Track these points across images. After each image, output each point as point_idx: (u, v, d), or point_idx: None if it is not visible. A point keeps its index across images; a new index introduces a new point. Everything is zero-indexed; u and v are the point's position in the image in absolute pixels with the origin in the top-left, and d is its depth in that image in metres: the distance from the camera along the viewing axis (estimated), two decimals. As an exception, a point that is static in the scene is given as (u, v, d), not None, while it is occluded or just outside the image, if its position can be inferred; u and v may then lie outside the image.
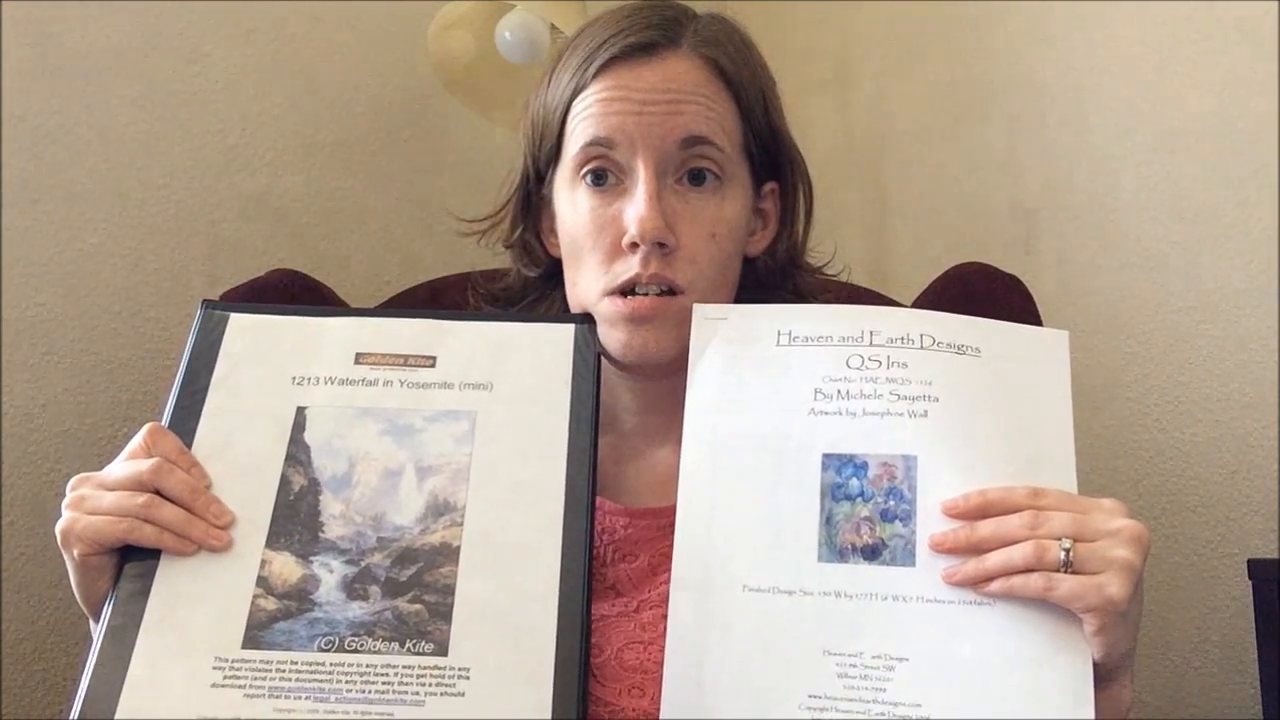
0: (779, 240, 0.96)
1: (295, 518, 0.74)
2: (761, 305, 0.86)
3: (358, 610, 0.71)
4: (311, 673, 0.69)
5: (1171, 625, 1.47)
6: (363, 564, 0.73)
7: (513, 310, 0.98)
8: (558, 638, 0.70)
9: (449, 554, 0.73)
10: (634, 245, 0.84)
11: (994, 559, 0.70)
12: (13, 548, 1.32)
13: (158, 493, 0.72)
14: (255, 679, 0.68)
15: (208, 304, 0.84)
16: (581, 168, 0.88)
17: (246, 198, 1.51)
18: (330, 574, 0.72)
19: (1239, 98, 1.44)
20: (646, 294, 0.85)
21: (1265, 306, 1.42)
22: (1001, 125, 1.63)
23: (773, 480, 0.76)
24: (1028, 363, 0.78)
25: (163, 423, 0.77)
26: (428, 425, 0.78)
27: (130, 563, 0.72)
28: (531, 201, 0.96)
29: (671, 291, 0.85)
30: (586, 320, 0.85)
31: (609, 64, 0.87)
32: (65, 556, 0.74)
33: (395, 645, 0.70)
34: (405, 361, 0.81)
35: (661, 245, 0.84)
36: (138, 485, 0.72)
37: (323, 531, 0.74)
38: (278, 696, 0.68)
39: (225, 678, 0.68)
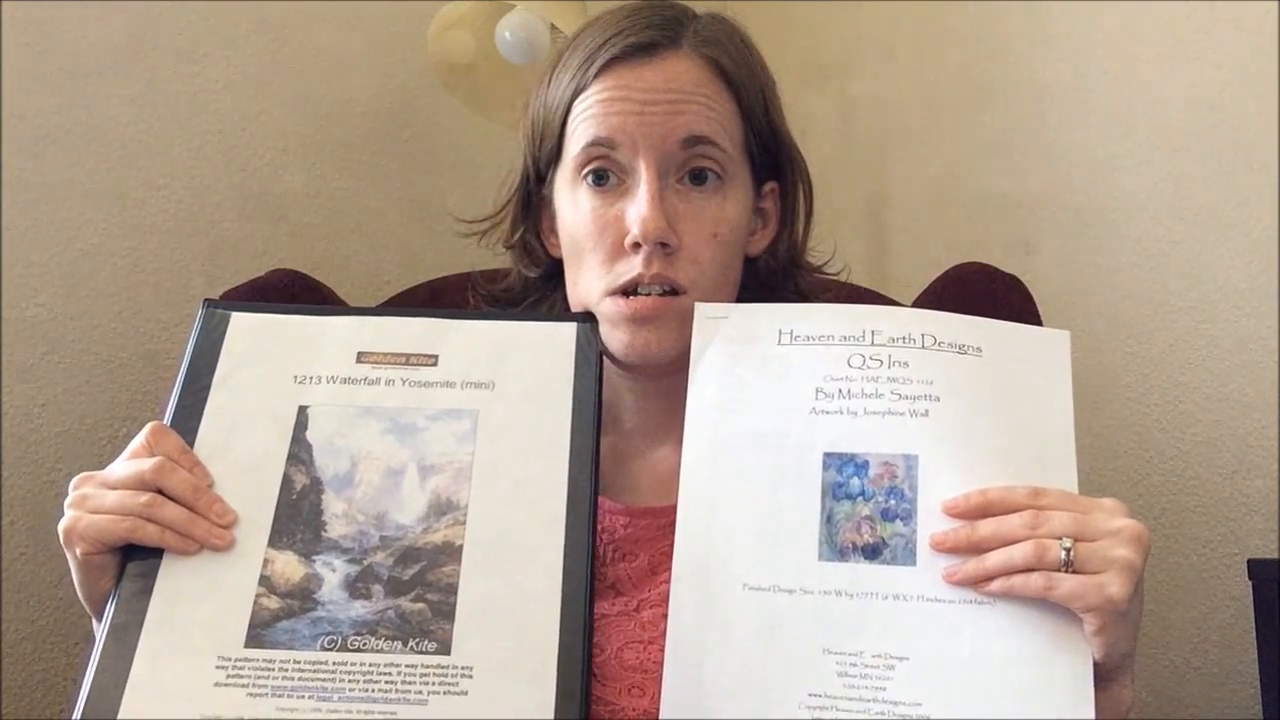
0: (779, 240, 0.96)
1: (297, 517, 0.74)
2: (763, 304, 0.86)
3: (360, 609, 0.71)
4: (314, 672, 0.69)
5: (1171, 625, 1.47)
6: (365, 563, 0.73)
7: (514, 310, 0.98)
8: (560, 637, 0.70)
9: (451, 553, 0.73)
10: (636, 245, 0.84)
11: (994, 558, 0.70)
12: (13, 548, 1.32)
13: (160, 492, 0.73)
14: (258, 678, 0.68)
15: (209, 303, 0.84)
16: (583, 168, 0.88)
17: (246, 198, 1.51)
18: (333, 573, 0.73)
19: (1239, 98, 1.44)
20: (649, 294, 0.85)
21: (1265, 306, 1.42)
22: (1002, 125, 1.63)
23: (774, 479, 0.76)
24: (1029, 363, 0.78)
25: (165, 421, 0.77)
26: (430, 424, 0.78)
27: (133, 562, 0.72)
28: (532, 202, 0.96)
29: (674, 291, 0.85)
30: (589, 319, 0.85)
31: (610, 64, 0.87)
32: (68, 555, 0.74)
33: (398, 644, 0.70)
34: (407, 360, 0.81)
35: (664, 245, 0.84)
36: (140, 484, 0.72)
37: (325, 530, 0.74)
38: (281, 696, 0.68)
39: (228, 677, 0.68)
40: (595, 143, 0.86)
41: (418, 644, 0.70)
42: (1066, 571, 0.68)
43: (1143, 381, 1.50)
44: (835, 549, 0.73)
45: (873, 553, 0.73)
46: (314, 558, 0.73)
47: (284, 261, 1.42)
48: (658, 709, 0.71)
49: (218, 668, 0.69)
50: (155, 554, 0.72)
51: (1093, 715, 0.67)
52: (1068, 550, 0.68)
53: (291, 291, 1.16)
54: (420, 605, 0.71)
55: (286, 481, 0.76)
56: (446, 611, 0.71)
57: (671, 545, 0.76)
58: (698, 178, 0.87)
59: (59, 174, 1.36)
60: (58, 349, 1.36)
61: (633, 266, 0.84)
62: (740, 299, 0.91)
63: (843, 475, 0.75)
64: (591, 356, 0.82)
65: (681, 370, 0.82)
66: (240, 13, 1.50)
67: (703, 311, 0.83)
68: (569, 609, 0.71)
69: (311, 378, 0.80)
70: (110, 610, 0.71)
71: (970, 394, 0.77)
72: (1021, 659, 0.69)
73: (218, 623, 0.70)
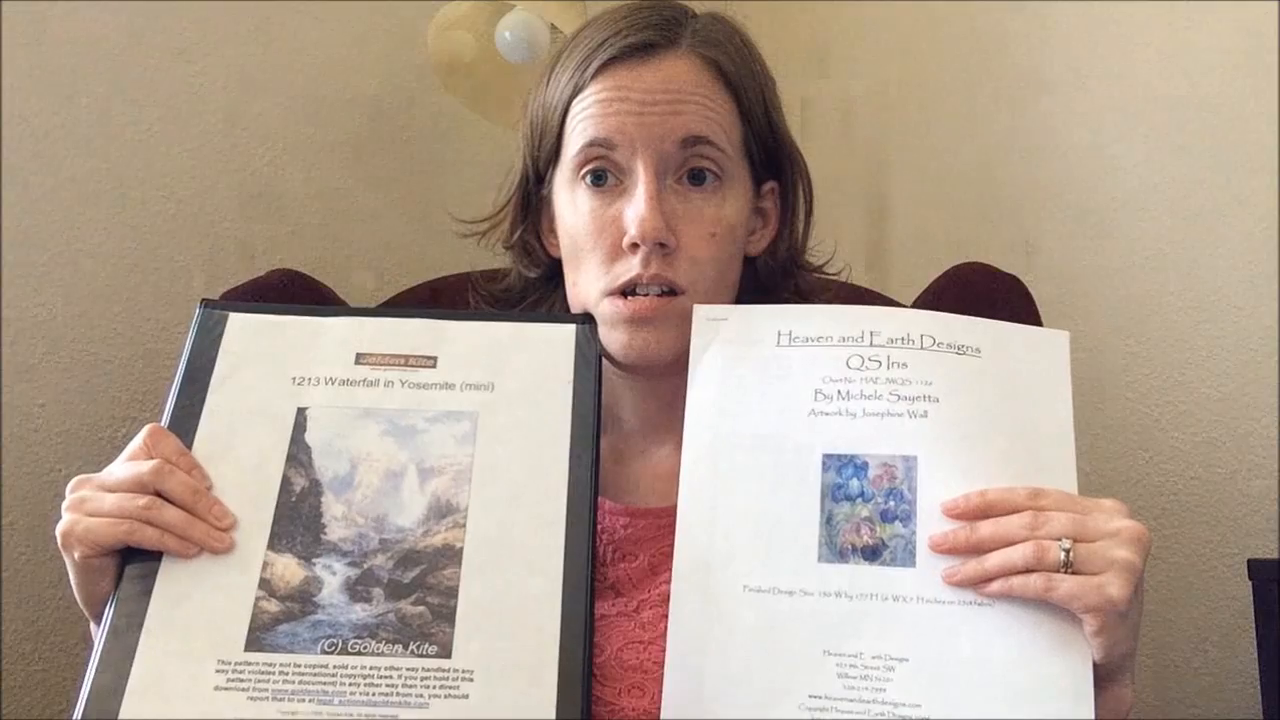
0: (779, 239, 0.96)
1: (297, 519, 0.74)
2: (762, 305, 0.87)
3: (361, 612, 0.71)
4: (315, 675, 0.68)
5: (1171, 625, 1.47)
6: (365, 566, 0.73)
7: (513, 311, 0.98)
8: (561, 639, 0.70)
9: (452, 556, 0.73)
10: (634, 246, 0.84)
11: (994, 559, 0.70)
12: (13, 548, 1.32)
13: (159, 494, 0.72)
14: (259, 682, 0.68)
15: (206, 303, 0.83)
16: (581, 168, 0.88)
17: (246, 198, 1.51)
18: (333, 576, 0.72)
19: (1240, 98, 1.44)
20: (647, 294, 0.85)
21: (1265, 306, 1.42)
22: (1002, 125, 1.63)
23: (773, 480, 0.76)
24: (1028, 363, 0.78)
25: (163, 423, 0.77)
26: (429, 426, 0.78)
27: (131, 565, 0.72)
28: (531, 202, 0.96)
29: (672, 292, 0.85)
30: (588, 320, 0.85)
31: (608, 64, 0.87)
32: (66, 558, 0.74)
33: (399, 647, 0.70)
34: (406, 362, 0.81)
35: (662, 245, 0.84)
36: (139, 487, 0.72)
37: (325, 533, 0.74)
38: (281, 699, 0.68)
39: (229, 680, 0.68)
40: (593, 143, 0.86)
41: (418, 647, 0.70)
42: (1066, 572, 0.68)
43: (1143, 381, 1.50)
44: (835, 550, 0.73)
45: (872, 554, 0.73)
46: (314, 560, 0.73)
47: (284, 261, 1.42)
48: (658, 709, 0.71)
49: (218, 671, 0.68)
50: (154, 557, 0.72)
51: (1093, 716, 0.67)
52: (1067, 551, 0.68)
53: (291, 292, 1.16)
54: (420, 608, 0.71)
55: (286, 484, 0.75)
56: (447, 614, 0.71)
57: (671, 546, 0.76)
58: (696, 178, 0.87)
59: (59, 174, 1.36)
60: (58, 349, 1.36)
61: (631, 267, 0.84)
62: (740, 299, 0.91)
63: (842, 476, 0.75)
64: (591, 358, 0.82)
65: (681, 371, 0.82)
66: (240, 12, 1.50)
67: (702, 313, 0.83)
68: (569, 611, 0.71)
69: (310, 379, 0.79)
70: (109, 613, 0.71)
71: (970, 395, 0.77)
72: (1021, 660, 0.69)
73: (217, 626, 0.70)
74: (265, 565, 0.72)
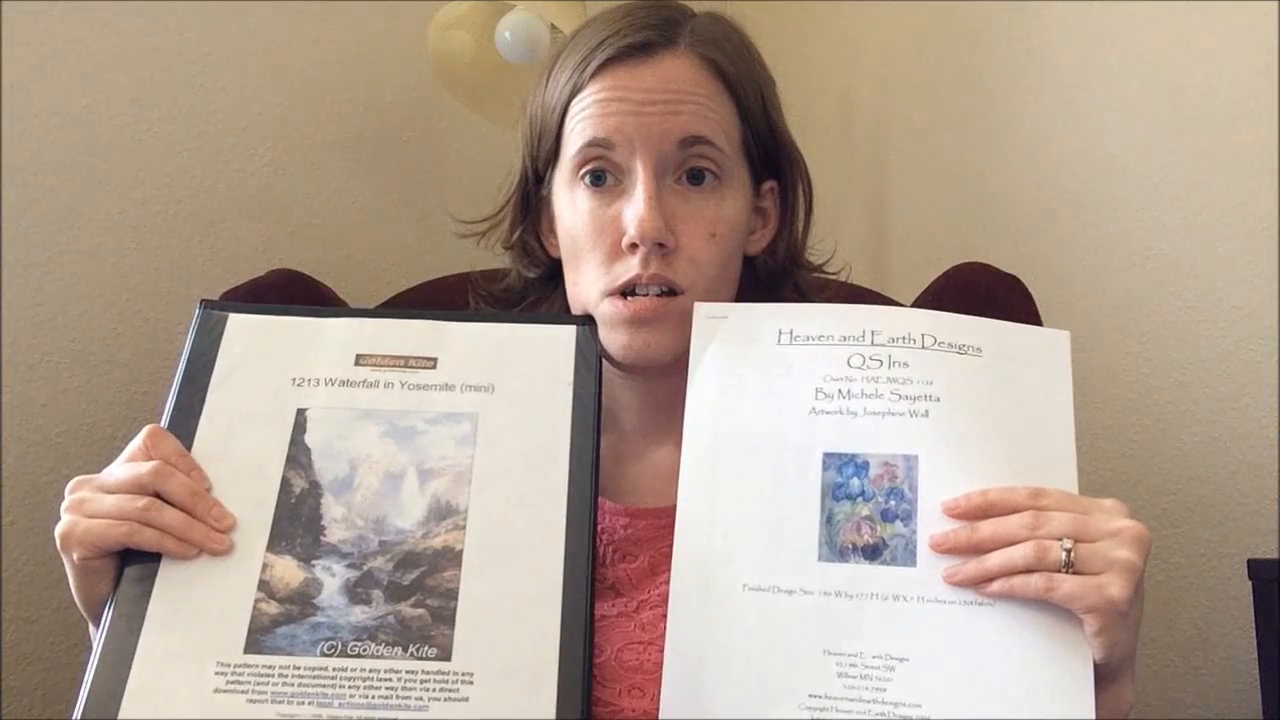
0: (779, 239, 0.96)
1: (296, 521, 0.74)
2: (762, 305, 0.86)
3: (360, 615, 0.71)
4: (314, 678, 0.68)
5: (1171, 625, 1.47)
6: (365, 568, 0.73)
7: (513, 311, 0.98)
8: (561, 640, 0.70)
9: (452, 558, 0.73)
10: (634, 246, 0.84)
11: (995, 559, 0.70)
12: (13, 548, 1.32)
13: (158, 496, 0.72)
14: (258, 684, 0.68)
15: (206, 304, 0.83)
16: (580, 168, 0.88)
17: (246, 198, 1.51)
18: (332, 578, 0.72)
19: (1239, 97, 1.43)
20: (647, 295, 0.85)
21: (1265, 306, 1.42)
22: (1002, 125, 1.62)
23: (773, 480, 0.76)
24: (1029, 363, 0.78)
25: (162, 424, 0.77)
26: (429, 427, 0.78)
27: (130, 566, 0.72)
28: (530, 202, 0.96)
29: (672, 292, 0.85)
30: (588, 321, 0.85)
31: (606, 64, 0.87)
32: (65, 560, 0.73)
33: (398, 650, 0.70)
34: (406, 363, 0.81)
35: (661, 246, 0.84)
36: (138, 488, 0.72)
37: (324, 535, 0.74)
38: (281, 702, 0.68)
39: (228, 683, 0.68)
40: (592, 143, 0.86)
41: (418, 650, 0.70)
42: (1067, 572, 0.68)
43: (1143, 381, 1.49)
44: (835, 549, 0.73)
45: (873, 553, 0.73)
46: (313, 562, 0.73)
47: (284, 262, 1.42)
48: (658, 709, 0.71)
49: (217, 673, 0.68)
50: (153, 558, 0.72)
51: (1093, 716, 0.67)
52: (1068, 551, 0.68)
53: (291, 292, 1.16)
54: (420, 611, 0.71)
55: (285, 485, 0.75)
56: (447, 617, 0.71)
57: (671, 546, 0.76)
58: (695, 178, 0.87)
59: (59, 174, 1.36)
60: (58, 349, 1.36)
61: (630, 267, 0.84)
62: (740, 298, 0.91)
63: (843, 475, 0.75)
64: (591, 359, 0.82)
65: (681, 370, 0.82)
66: (240, 12, 1.50)
67: (702, 312, 0.83)
68: (570, 613, 0.71)
69: (310, 380, 0.79)
70: (108, 615, 0.71)
71: (970, 394, 0.77)
72: (1022, 660, 0.69)
73: (217, 628, 0.70)
74: (265, 567, 0.72)
